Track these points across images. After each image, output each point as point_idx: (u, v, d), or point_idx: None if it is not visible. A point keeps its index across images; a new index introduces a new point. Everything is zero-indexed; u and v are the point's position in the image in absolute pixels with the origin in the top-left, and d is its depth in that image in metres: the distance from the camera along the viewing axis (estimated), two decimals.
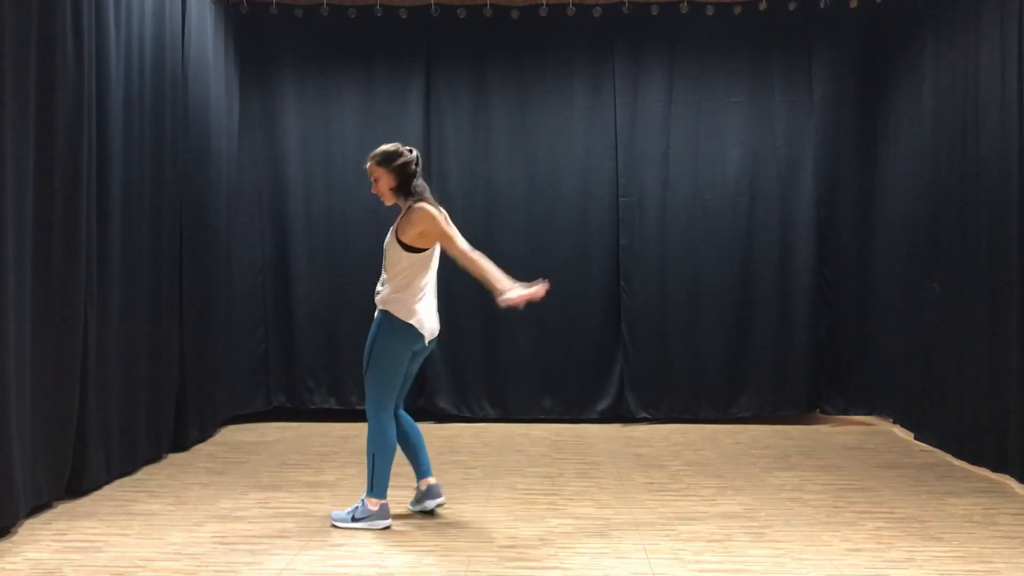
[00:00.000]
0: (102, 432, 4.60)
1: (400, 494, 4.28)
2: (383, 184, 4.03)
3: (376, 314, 4.03)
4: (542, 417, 6.52)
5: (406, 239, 3.95)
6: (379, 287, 4.06)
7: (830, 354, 6.74)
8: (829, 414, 6.75)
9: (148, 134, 5.14)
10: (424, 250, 3.97)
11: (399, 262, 3.97)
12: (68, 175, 4.27)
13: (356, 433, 6.17)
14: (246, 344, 6.62)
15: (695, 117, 6.72)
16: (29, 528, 3.89)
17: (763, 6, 6.59)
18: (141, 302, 5.07)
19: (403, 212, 4.02)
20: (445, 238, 3.96)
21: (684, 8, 6.61)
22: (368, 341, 4.02)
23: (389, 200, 4.07)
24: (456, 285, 6.66)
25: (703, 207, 6.69)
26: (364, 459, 5.30)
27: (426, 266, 4.01)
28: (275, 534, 3.83)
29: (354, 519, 3.98)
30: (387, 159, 4.01)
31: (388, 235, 4.04)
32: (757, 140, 6.70)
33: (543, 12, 6.63)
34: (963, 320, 5.36)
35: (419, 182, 4.05)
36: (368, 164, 4.06)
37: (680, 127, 6.71)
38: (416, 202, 3.99)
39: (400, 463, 4.13)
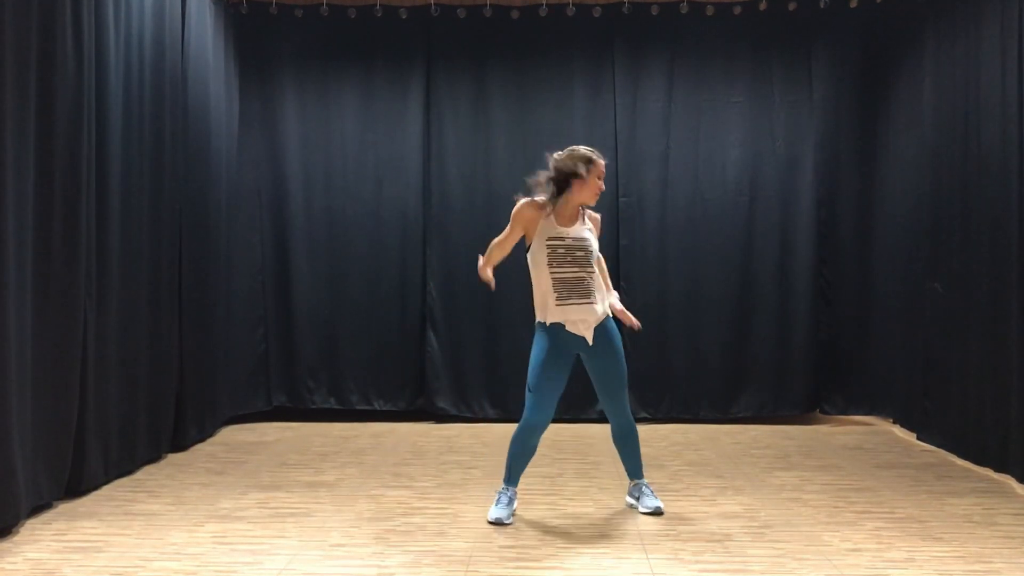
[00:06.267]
0: (102, 432, 4.60)
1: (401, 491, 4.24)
2: None
3: (605, 323, 4.09)
4: None
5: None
6: (585, 299, 4.02)
7: (830, 354, 6.74)
8: (829, 414, 6.75)
9: (148, 134, 5.14)
10: None
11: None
12: (68, 175, 4.27)
13: (356, 433, 6.18)
14: (246, 344, 6.62)
15: (695, 117, 6.72)
16: (29, 528, 3.89)
17: (763, 6, 6.59)
18: (141, 302, 5.07)
19: (587, 215, 4.15)
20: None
21: (684, 8, 6.61)
22: (618, 354, 4.12)
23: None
24: (456, 285, 6.69)
25: (703, 207, 6.69)
26: (361, 459, 5.33)
27: None
28: (275, 534, 3.83)
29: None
30: None
31: (583, 237, 4.05)
32: (757, 140, 6.70)
33: (543, 12, 6.63)
34: (964, 319, 5.36)
35: None
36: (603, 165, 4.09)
37: (680, 127, 6.71)
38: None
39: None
